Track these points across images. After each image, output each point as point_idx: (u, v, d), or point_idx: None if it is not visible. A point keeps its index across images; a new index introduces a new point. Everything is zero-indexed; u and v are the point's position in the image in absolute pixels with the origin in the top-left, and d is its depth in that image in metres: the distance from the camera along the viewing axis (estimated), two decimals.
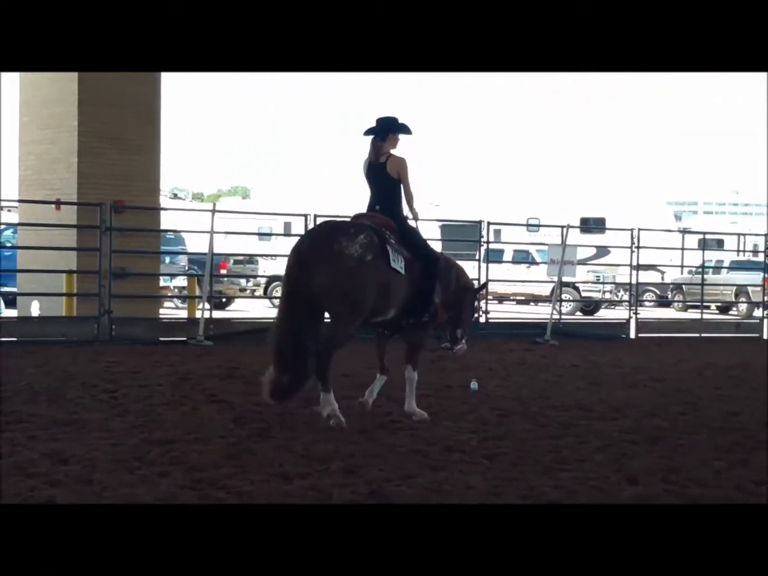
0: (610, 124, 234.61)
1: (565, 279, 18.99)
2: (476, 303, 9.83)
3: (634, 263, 19.20)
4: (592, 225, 31.98)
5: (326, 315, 8.29)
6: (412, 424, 8.38)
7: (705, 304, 27.17)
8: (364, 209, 8.79)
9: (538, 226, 28.98)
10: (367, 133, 8.86)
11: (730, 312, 29.33)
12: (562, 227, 18.21)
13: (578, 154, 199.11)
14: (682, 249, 22.28)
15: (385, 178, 8.69)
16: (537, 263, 25.60)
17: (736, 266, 29.76)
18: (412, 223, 8.87)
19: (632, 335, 18.86)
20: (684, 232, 26.58)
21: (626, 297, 22.28)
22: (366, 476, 6.36)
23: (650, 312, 26.55)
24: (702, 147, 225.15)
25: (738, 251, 32.46)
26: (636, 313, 19.15)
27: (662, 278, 30.85)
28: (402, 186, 8.71)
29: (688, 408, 9.71)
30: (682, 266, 25.08)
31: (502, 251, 27.52)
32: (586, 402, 9.85)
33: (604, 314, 26.36)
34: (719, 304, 29.30)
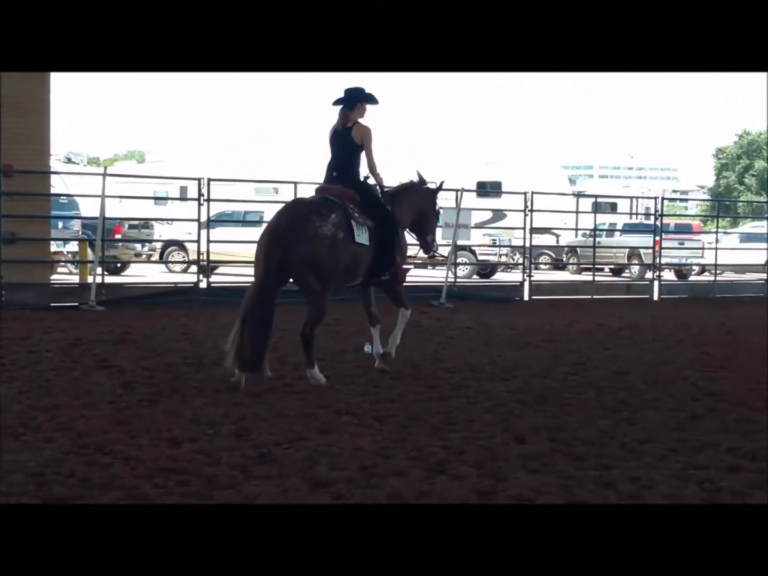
0: (508, 89, 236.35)
1: (460, 242, 19.13)
2: (437, 205, 10.36)
3: (528, 227, 19.43)
4: (488, 189, 32.26)
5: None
6: (304, 387, 8.37)
7: (598, 266, 27.82)
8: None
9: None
10: (336, 103, 9.26)
11: (623, 274, 29.94)
12: (457, 191, 18.32)
13: (477, 118, 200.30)
14: (576, 212, 22.56)
15: (348, 143, 9.11)
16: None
17: (628, 229, 30.21)
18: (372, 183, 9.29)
19: (526, 297, 19.13)
20: (578, 195, 26.97)
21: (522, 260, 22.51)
22: (256, 440, 6.33)
23: (545, 275, 27.00)
24: (598, 111, 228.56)
25: (631, 214, 33.07)
26: (530, 276, 19.42)
27: (557, 241, 31.33)
28: (365, 153, 9.14)
29: (578, 368, 9.89)
30: (576, 229, 25.32)
31: None
32: (478, 363, 9.95)
33: (500, 277, 26.67)
34: (612, 266, 29.89)
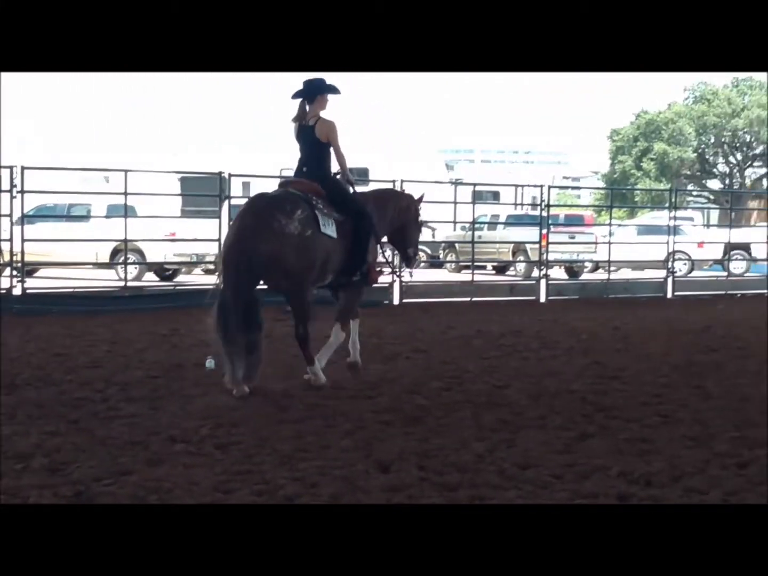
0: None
1: None
2: (419, 216, 11.02)
3: None
4: (354, 176, 32.31)
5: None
6: (132, 411, 8.16)
7: (479, 264, 28.08)
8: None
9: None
10: (295, 96, 9.91)
11: (507, 272, 30.23)
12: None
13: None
14: (455, 203, 22.71)
15: (313, 140, 9.79)
16: None
17: (513, 221, 30.24)
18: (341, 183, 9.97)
19: (396, 301, 19.19)
20: (455, 183, 27.24)
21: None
22: (72, 475, 6.13)
23: (420, 274, 27.13)
24: (482, 91, 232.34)
25: (515, 204, 33.43)
26: (400, 276, 19.46)
27: (433, 236, 31.56)
28: (333, 149, 9.82)
29: (452, 382, 9.92)
30: (454, 222, 25.33)
31: None
32: (338, 378, 9.89)
33: None
34: (495, 263, 30.21)
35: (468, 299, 19.92)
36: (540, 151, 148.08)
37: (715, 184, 66.12)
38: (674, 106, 65.24)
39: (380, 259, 11.13)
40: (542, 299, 21.13)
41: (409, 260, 11.07)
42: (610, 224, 27.21)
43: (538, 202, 23.41)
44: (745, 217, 59.14)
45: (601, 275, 27.36)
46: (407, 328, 14.86)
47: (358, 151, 34.56)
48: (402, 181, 19.23)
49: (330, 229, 9.51)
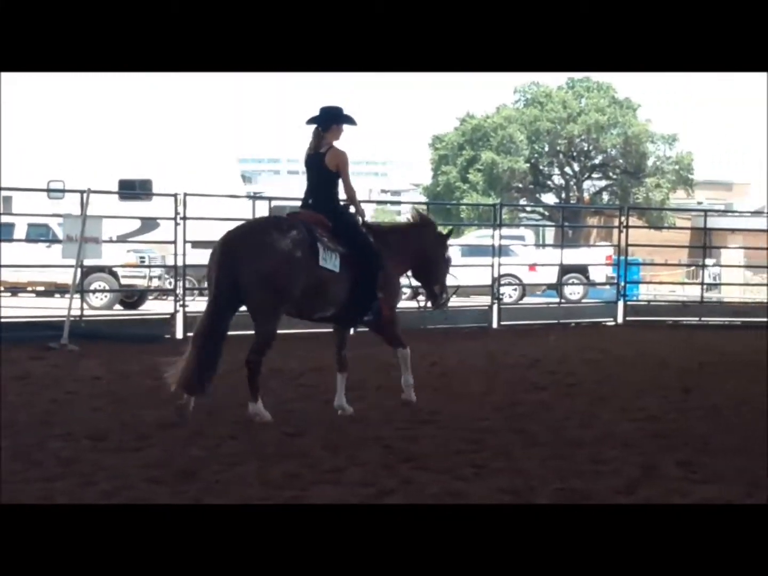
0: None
1: (88, 262, 18.66)
2: (446, 253, 12.01)
3: (181, 239, 19.15)
4: (137, 190, 31.89)
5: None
6: None
7: None
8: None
9: (63, 191, 28.25)
10: (310, 122, 10.91)
11: None
12: (82, 192, 17.85)
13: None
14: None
15: (323, 169, 10.70)
16: (60, 241, 25.01)
17: None
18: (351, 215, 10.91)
19: (179, 334, 18.86)
20: (253, 197, 27.09)
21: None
22: None
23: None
24: (290, 94, 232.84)
25: None
26: (184, 306, 19.17)
27: None
28: (342, 180, 10.72)
29: (239, 429, 9.80)
30: None
31: (12, 225, 26.71)
32: (102, 428, 9.66)
33: (152, 307, 26.30)
34: None
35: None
36: (355, 161, 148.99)
37: (549, 199, 67.52)
38: (503, 109, 65.98)
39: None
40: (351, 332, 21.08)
41: (435, 298, 11.94)
42: None
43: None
44: (583, 236, 60.86)
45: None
46: None
47: (139, 159, 34.13)
48: (185, 195, 18.97)
49: (331, 263, 10.44)
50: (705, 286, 27.33)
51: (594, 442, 9.44)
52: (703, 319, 24.05)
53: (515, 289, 31.91)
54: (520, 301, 30.90)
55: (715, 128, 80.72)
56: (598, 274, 32.70)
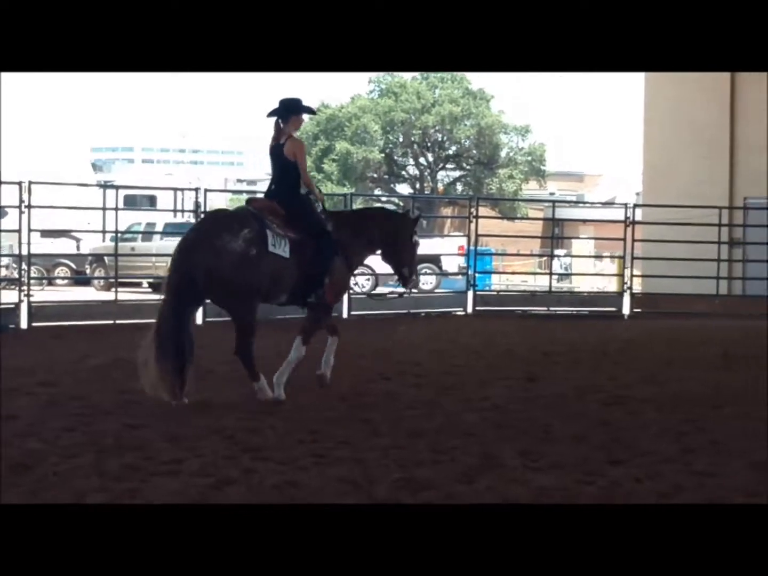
0: None
1: None
2: (414, 236, 12.23)
3: (26, 228, 18.74)
4: None
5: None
6: None
7: (132, 280, 27.61)
8: None
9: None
10: (270, 114, 11.44)
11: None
12: None
13: None
14: (103, 209, 22.09)
15: (282, 159, 11.27)
16: None
17: (171, 231, 29.68)
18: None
19: (24, 325, 18.48)
20: (103, 186, 26.66)
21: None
22: None
23: (60, 293, 26.41)
24: (138, 84, 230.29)
25: (175, 211, 33.05)
26: (29, 296, 18.80)
27: (78, 247, 30.83)
28: (300, 168, 11.25)
29: (79, 421, 9.67)
30: (103, 231, 24.61)
31: None
32: None
33: None
34: (152, 280, 29.67)
35: (111, 322, 19.41)
36: (210, 150, 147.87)
37: (404, 189, 67.85)
38: (358, 99, 66.17)
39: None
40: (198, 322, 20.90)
41: (405, 280, 12.24)
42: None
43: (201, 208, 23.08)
44: (437, 226, 61.29)
45: None
46: (34, 357, 14.35)
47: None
48: (29, 183, 18.59)
49: (281, 249, 10.84)
50: (556, 276, 27.69)
51: (436, 432, 9.50)
52: (551, 309, 24.35)
53: (368, 279, 31.93)
54: (372, 292, 30.92)
55: (567, 121, 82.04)
56: (450, 264, 32.84)
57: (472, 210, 24.89)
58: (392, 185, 67.81)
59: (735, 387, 12.49)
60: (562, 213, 43.53)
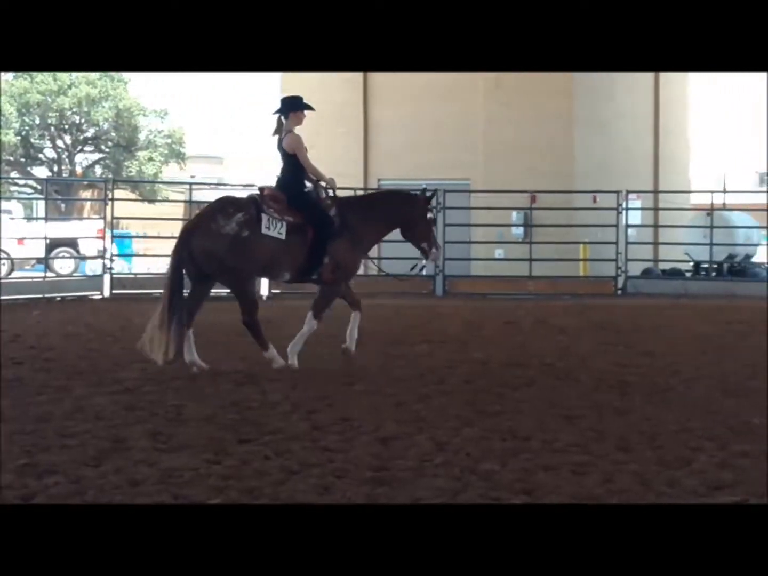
0: None
1: None
2: (429, 211, 13.24)
3: None
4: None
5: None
6: None
7: None
8: None
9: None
10: (275, 113, 12.50)
11: None
12: None
13: None
14: None
15: (284, 153, 12.32)
16: None
17: None
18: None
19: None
20: None
21: None
22: None
23: None
24: None
25: None
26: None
27: None
28: (301, 161, 12.21)
29: None
30: None
31: None
32: None
33: None
34: None
35: None
36: None
37: (42, 172, 65.98)
38: None
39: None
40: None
41: (425, 253, 13.07)
42: None
43: None
44: (76, 209, 59.89)
45: None
46: None
47: None
48: None
49: (275, 231, 11.90)
50: None
51: (65, 417, 9.27)
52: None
53: (4, 264, 30.97)
54: (9, 276, 30.03)
55: (205, 104, 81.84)
56: (89, 248, 32.22)
57: (109, 193, 24.49)
58: (29, 168, 65.80)
59: (364, 363, 12.77)
60: (203, 195, 43.35)
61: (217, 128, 77.31)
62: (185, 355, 11.94)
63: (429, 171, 29.37)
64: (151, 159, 62.85)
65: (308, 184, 12.55)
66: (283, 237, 11.96)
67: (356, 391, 10.88)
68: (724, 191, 34.72)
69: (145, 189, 59.63)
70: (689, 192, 35.19)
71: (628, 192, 27.56)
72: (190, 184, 34.08)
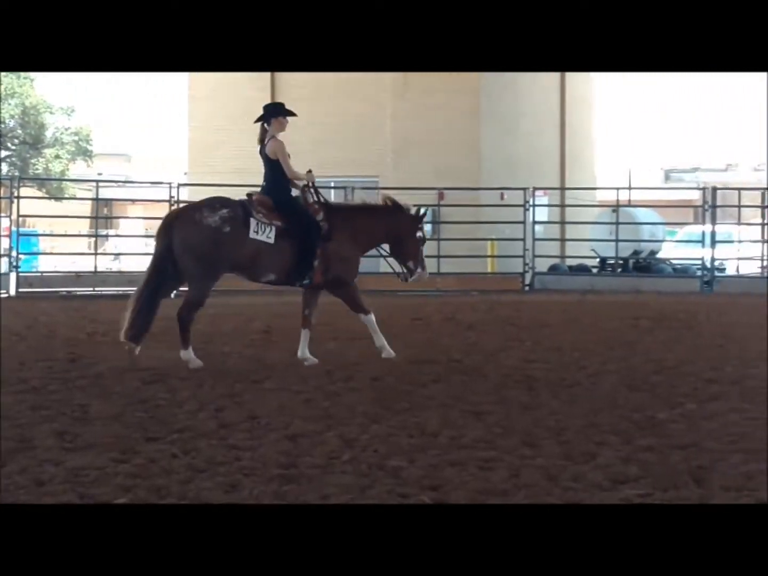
0: None
1: None
2: (419, 230, 13.20)
3: None
4: None
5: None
6: None
7: None
8: None
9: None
10: (257, 120, 12.72)
11: None
12: None
13: None
14: None
15: (267, 159, 12.50)
16: None
17: None
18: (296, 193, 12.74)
19: None
20: None
21: None
22: None
23: None
24: None
25: None
26: None
27: None
28: (282, 165, 12.38)
29: None
30: None
31: None
32: None
33: None
34: None
35: None
36: None
37: None
38: None
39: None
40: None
41: (410, 271, 13.15)
42: None
43: None
44: None
45: None
46: None
47: None
48: None
49: (264, 235, 12.12)
50: (112, 257, 27.43)
51: None
52: (97, 289, 24.04)
53: None
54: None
55: (112, 102, 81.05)
56: None
57: (15, 191, 24.20)
58: None
59: (274, 361, 12.75)
60: (110, 193, 42.95)
61: (124, 126, 76.59)
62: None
63: (338, 168, 29.40)
64: (57, 156, 62.12)
65: (295, 190, 12.77)
66: (272, 241, 12.17)
67: (265, 389, 10.84)
68: (630, 188, 35.18)
69: (52, 187, 58.96)
70: (595, 189, 35.61)
71: (534, 189, 27.80)
72: (97, 181, 33.67)
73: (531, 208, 27.34)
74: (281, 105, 13.13)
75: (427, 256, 26.96)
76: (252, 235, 12.05)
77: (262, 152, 12.60)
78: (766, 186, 32.77)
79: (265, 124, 12.62)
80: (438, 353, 13.64)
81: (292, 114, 12.79)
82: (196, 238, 11.91)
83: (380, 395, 10.48)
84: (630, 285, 26.94)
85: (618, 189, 32.01)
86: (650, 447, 8.23)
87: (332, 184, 28.20)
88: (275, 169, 12.49)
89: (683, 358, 13.10)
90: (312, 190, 12.72)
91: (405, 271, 13.27)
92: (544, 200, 30.77)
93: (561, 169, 35.72)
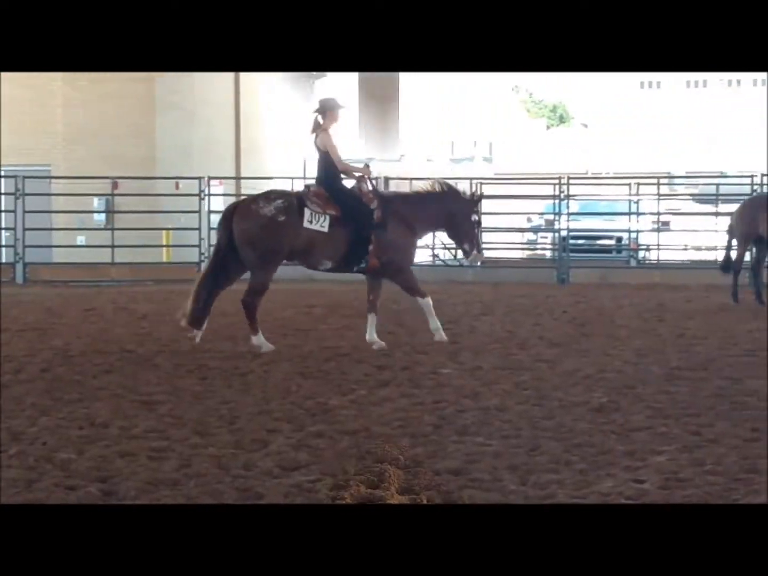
0: None
1: None
2: (474, 213, 13.77)
3: None
4: None
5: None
6: None
7: None
8: None
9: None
10: (315, 111, 13.41)
11: None
12: None
13: None
14: None
15: (318, 151, 13.25)
16: None
17: None
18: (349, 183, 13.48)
19: None
20: None
21: None
22: None
23: None
24: None
25: None
26: None
27: None
28: (332, 157, 13.04)
29: None
30: None
31: None
32: None
33: None
34: None
35: None
36: None
37: None
38: None
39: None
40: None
41: (466, 253, 13.88)
42: None
43: None
44: None
45: None
46: None
47: None
48: None
49: (318, 225, 12.79)
50: None
51: None
52: None
53: None
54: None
55: None
56: None
57: None
58: None
59: None
60: None
61: None
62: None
63: (7, 157, 28.49)
64: None
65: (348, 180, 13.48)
66: (326, 230, 12.84)
67: None
68: (305, 177, 35.61)
69: None
70: (270, 178, 35.76)
71: (210, 178, 27.73)
72: None
73: (206, 197, 27.25)
74: (334, 100, 13.68)
75: (101, 246, 26.83)
76: (306, 224, 12.77)
77: (314, 144, 13.34)
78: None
79: (319, 117, 13.24)
80: (110, 343, 13.51)
81: (341, 106, 13.49)
82: (253, 228, 12.71)
83: (50, 387, 10.31)
84: (303, 274, 27.12)
85: (293, 179, 32.27)
86: (321, 433, 8.38)
87: (2, 173, 27.39)
88: (326, 160, 13.14)
89: (356, 345, 13.37)
90: (368, 181, 13.35)
91: (462, 253, 14.05)
92: (220, 189, 30.66)
93: (236, 159, 35.72)
